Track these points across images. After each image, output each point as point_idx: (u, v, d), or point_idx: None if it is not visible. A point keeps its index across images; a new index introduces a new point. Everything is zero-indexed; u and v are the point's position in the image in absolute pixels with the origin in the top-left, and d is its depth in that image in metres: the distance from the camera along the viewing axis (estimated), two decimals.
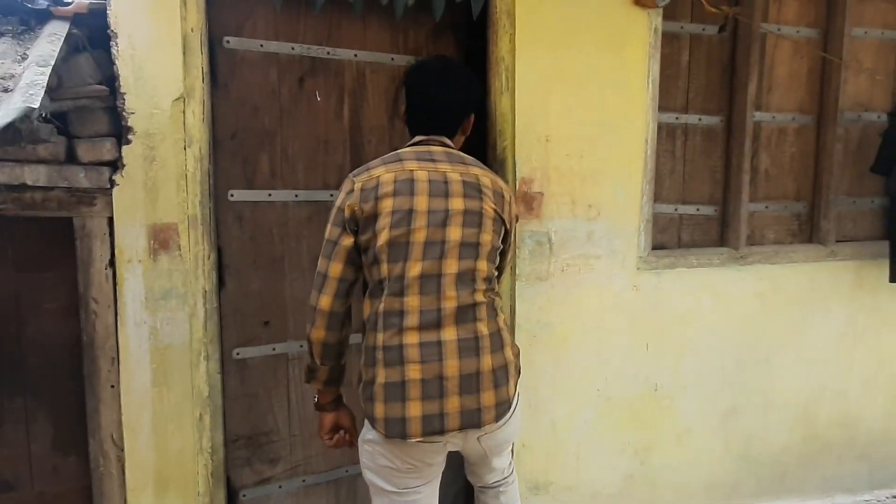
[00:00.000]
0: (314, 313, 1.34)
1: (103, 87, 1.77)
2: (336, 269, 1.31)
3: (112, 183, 1.83)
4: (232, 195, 2.04)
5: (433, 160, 1.36)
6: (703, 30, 2.36)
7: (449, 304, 1.29)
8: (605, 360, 2.26)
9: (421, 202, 1.29)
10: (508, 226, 1.44)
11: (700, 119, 2.40)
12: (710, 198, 2.44)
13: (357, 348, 1.46)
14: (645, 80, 2.21)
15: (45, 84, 1.42)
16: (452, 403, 1.27)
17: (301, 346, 2.19)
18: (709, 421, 2.40)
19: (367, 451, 1.39)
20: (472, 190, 1.34)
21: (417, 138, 1.46)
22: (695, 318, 2.34)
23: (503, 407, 1.33)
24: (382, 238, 1.28)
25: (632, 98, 2.21)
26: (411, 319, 1.28)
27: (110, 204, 1.84)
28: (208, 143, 1.92)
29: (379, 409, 1.28)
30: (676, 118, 2.37)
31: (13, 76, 1.45)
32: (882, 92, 2.55)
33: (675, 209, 2.40)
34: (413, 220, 1.28)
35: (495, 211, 1.36)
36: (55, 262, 1.87)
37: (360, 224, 1.31)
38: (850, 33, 2.43)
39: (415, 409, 1.25)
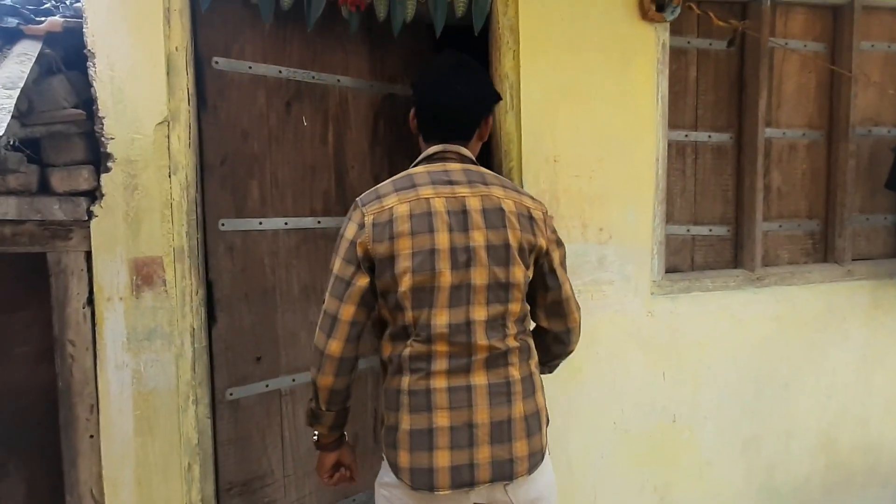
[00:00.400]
0: (321, 358, 1.20)
1: (80, 111, 1.64)
2: (348, 311, 1.17)
3: (90, 214, 1.69)
4: (223, 224, 1.91)
5: (450, 181, 1.21)
6: (710, 45, 2.29)
7: (480, 353, 1.19)
8: (620, 392, 2.13)
9: (442, 240, 1.16)
10: (545, 247, 1.27)
11: (710, 136, 2.31)
12: (722, 217, 2.35)
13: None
14: (654, 97, 2.12)
15: (11, 108, 1.28)
16: (483, 453, 1.17)
17: (293, 381, 2.07)
18: (729, 452, 2.28)
19: (385, 496, 1.27)
20: (495, 219, 1.20)
21: (432, 149, 1.29)
22: (712, 344, 2.23)
23: (536, 457, 1.22)
24: (405, 284, 1.16)
25: (641, 115, 2.12)
26: (440, 364, 1.18)
27: (88, 237, 1.70)
28: (195, 169, 1.79)
29: (403, 458, 1.17)
30: (686, 136, 2.28)
31: None
32: (890, 106, 2.49)
33: (688, 230, 2.30)
34: (436, 261, 1.15)
35: (524, 240, 1.22)
36: (27, 301, 1.72)
37: (375, 264, 1.18)
38: (858, 46, 2.37)
39: (443, 459, 1.15)
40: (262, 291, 2.03)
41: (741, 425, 2.28)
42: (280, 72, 1.99)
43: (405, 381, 1.19)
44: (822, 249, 2.45)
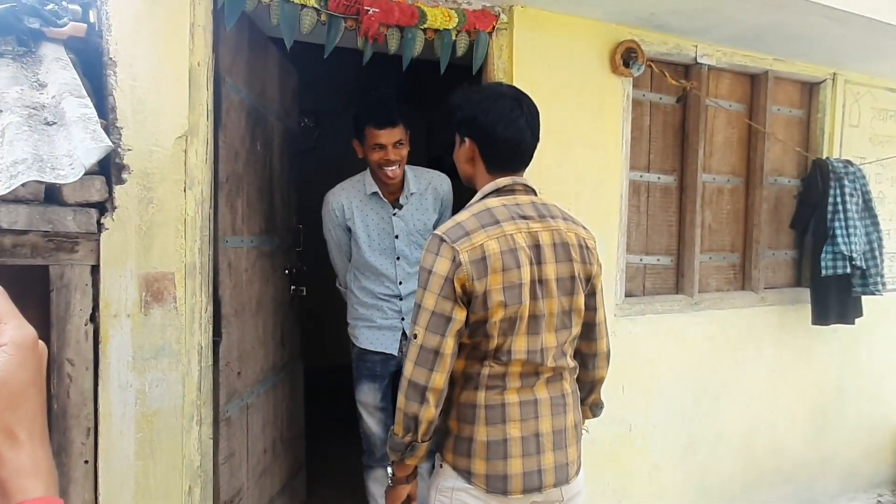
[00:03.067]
0: (427, 392, 1.23)
1: (102, 120, 1.57)
2: (450, 345, 1.23)
3: (100, 227, 1.62)
4: (227, 241, 1.90)
5: (524, 216, 1.30)
6: (661, 98, 2.63)
7: (546, 373, 1.32)
8: None
9: (526, 274, 1.26)
10: (595, 273, 1.38)
11: (659, 178, 2.64)
12: (667, 249, 2.68)
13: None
14: (620, 141, 2.40)
15: (96, 117, 1.23)
16: (548, 460, 1.30)
17: (252, 392, 2.13)
18: (673, 456, 2.57)
19: (444, 501, 1.33)
20: (562, 253, 1.32)
21: (501, 182, 1.34)
22: (661, 361, 2.52)
23: (580, 459, 1.39)
24: (496, 316, 1.24)
25: (609, 157, 2.39)
26: (512, 382, 1.30)
27: (95, 250, 1.62)
28: (210, 185, 1.78)
29: (479, 465, 1.28)
30: (640, 176, 2.59)
31: (44, 106, 1.24)
32: (791, 161, 2.99)
33: (640, 259, 2.60)
34: (522, 294, 1.26)
35: (583, 270, 1.35)
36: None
37: (471, 299, 1.24)
38: (770, 109, 2.83)
39: (516, 467, 1.27)
40: (242, 306, 2.05)
41: (682, 432, 2.59)
42: (251, 98, 2.08)
43: (481, 395, 1.28)
44: (741, 279, 2.86)
